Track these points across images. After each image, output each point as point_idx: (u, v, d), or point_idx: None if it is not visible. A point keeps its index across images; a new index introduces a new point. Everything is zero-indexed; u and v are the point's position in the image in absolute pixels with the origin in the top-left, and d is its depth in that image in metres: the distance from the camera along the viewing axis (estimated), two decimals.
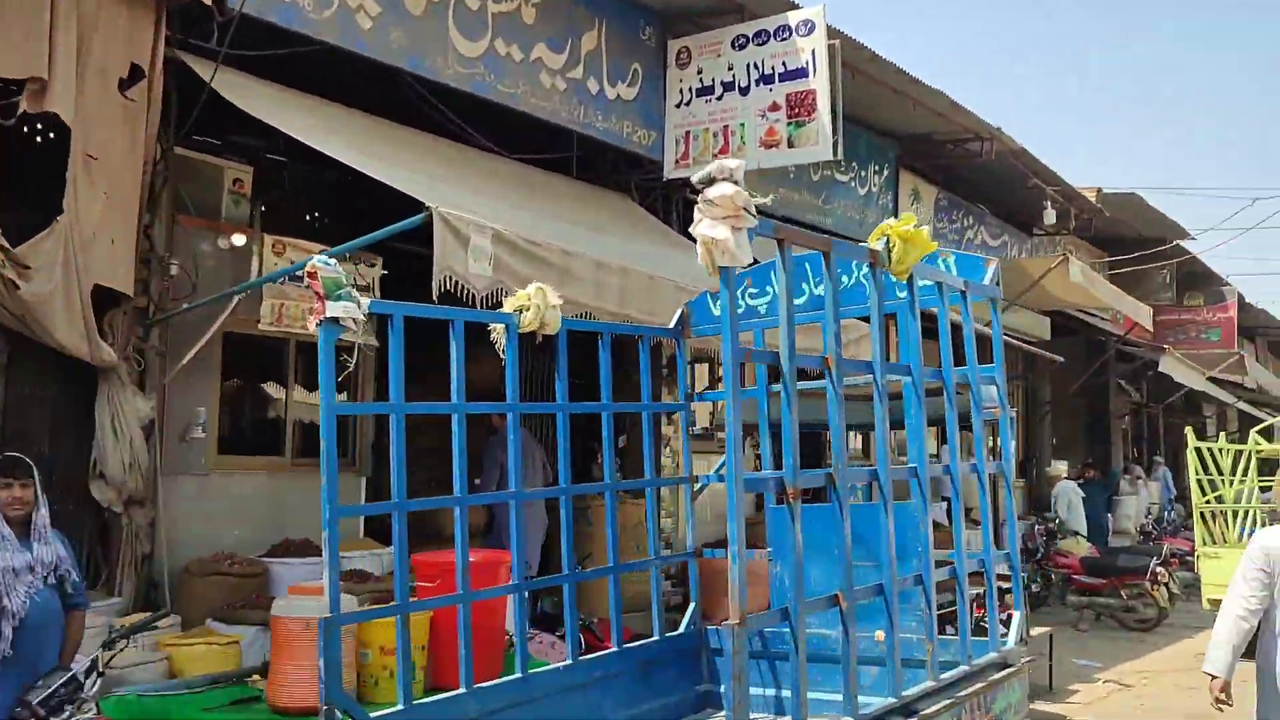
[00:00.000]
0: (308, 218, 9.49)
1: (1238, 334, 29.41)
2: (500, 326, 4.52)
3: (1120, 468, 20.32)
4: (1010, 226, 17.45)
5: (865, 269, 4.84)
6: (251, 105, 6.79)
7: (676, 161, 10.39)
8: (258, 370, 8.49)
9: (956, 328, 4.78)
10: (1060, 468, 19.22)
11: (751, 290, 5.21)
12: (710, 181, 2.94)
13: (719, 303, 5.42)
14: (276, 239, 8.09)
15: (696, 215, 2.99)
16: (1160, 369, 17.96)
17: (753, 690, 5.13)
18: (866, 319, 4.95)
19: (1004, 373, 4.56)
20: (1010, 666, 4.33)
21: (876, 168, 13.90)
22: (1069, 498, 15.19)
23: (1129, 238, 19.90)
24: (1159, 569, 12.87)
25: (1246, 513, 12.84)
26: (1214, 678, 4.68)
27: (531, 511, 7.81)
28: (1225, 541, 12.37)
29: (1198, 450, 11.92)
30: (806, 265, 5.04)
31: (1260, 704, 4.73)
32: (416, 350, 4.31)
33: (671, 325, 5.43)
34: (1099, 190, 17.57)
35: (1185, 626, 12.83)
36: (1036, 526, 14.03)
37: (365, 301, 3.93)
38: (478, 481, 8.09)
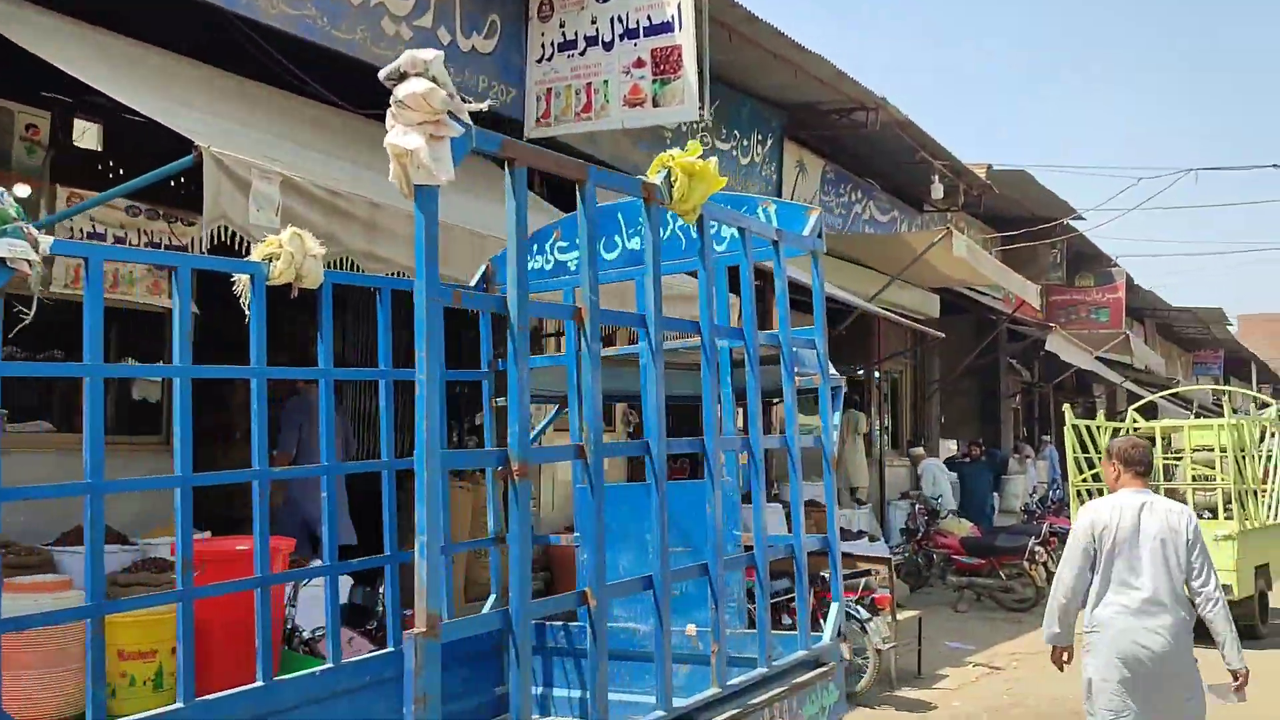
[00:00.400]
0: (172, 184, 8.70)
1: (1127, 315, 29.85)
2: (244, 278, 3.87)
3: (1010, 447, 20.32)
4: (900, 202, 17.18)
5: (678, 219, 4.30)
6: (19, 34, 5.98)
7: (537, 120, 9.75)
8: (51, 338, 7.65)
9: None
10: (951, 447, 19.15)
11: (560, 243, 4.63)
12: (401, 77, 2.34)
13: (530, 256, 4.83)
14: (72, 191, 7.29)
15: (389, 121, 2.40)
16: (1047, 348, 17.89)
17: (555, 692, 4.60)
18: (691, 274, 4.43)
19: (825, 336, 4.04)
20: (823, 666, 3.83)
21: (760, 137, 13.43)
22: (933, 474, 15.00)
23: (1020, 216, 19.82)
24: (1037, 548, 12.70)
25: None
26: (1054, 647, 4.98)
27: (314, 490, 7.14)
28: None
29: (1075, 428, 11.71)
30: (620, 215, 4.48)
31: (1094, 675, 4.81)
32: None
33: (473, 283, 4.81)
34: (988, 166, 17.38)
35: None
36: (917, 506, 13.78)
37: (46, 241, 3.25)
38: (275, 453, 7.37)
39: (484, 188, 7.36)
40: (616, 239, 4.45)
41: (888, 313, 13.01)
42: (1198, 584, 4.67)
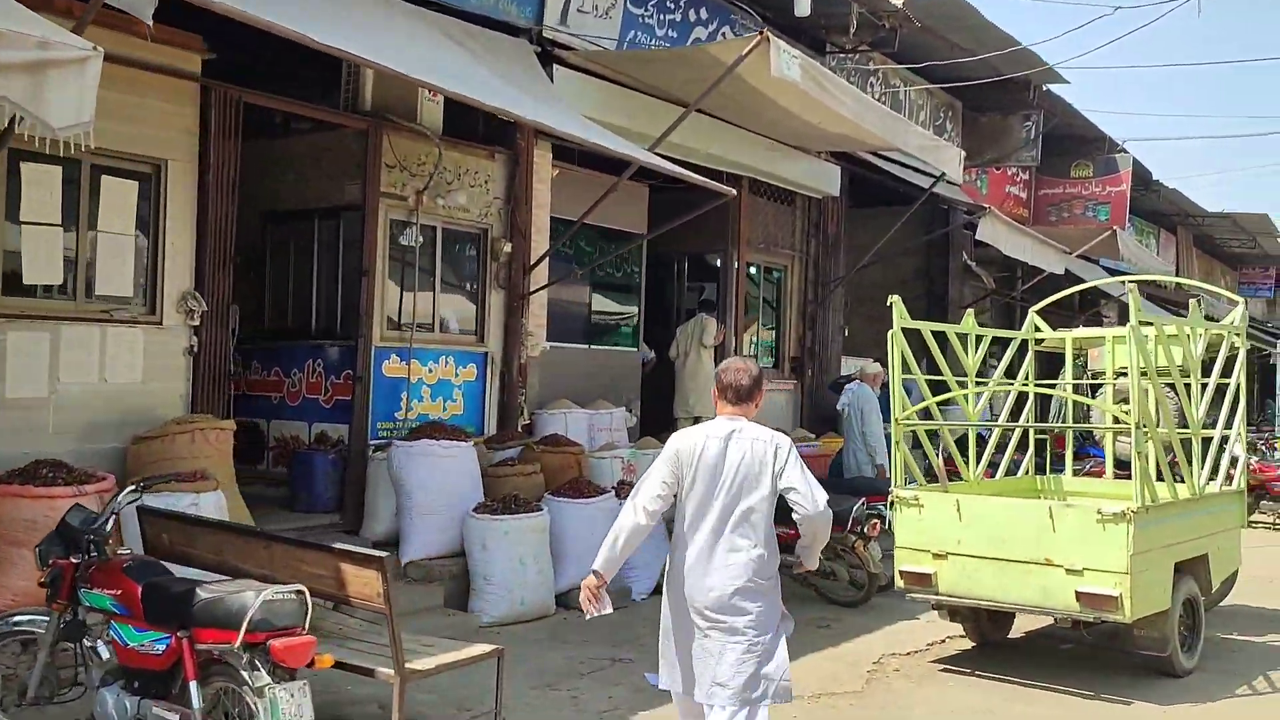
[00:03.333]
0: None
1: (1153, 222, 24.83)
2: None
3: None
4: (789, 37, 12.62)
5: None
6: None
7: None
8: None
9: None
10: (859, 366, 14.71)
11: None
12: None
13: None
14: None
15: None
16: (978, 235, 13.43)
17: None
18: None
19: None
20: None
21: None
22: None
23: (985, 78, 14.98)
24: (871, 515, 8.55)
25: (1005, 436, 8.45)
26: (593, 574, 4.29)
27: None
28: (967, 479, 7.98)
29: (905, 335, 7.41)
30: None
31: (665, 623, 4.33)
32: None
33: None
34: None
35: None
36: None
37: None
38: None
39: None
40: None
41: (664, 159, 8.73)
42: (792, 500, 4.15)
